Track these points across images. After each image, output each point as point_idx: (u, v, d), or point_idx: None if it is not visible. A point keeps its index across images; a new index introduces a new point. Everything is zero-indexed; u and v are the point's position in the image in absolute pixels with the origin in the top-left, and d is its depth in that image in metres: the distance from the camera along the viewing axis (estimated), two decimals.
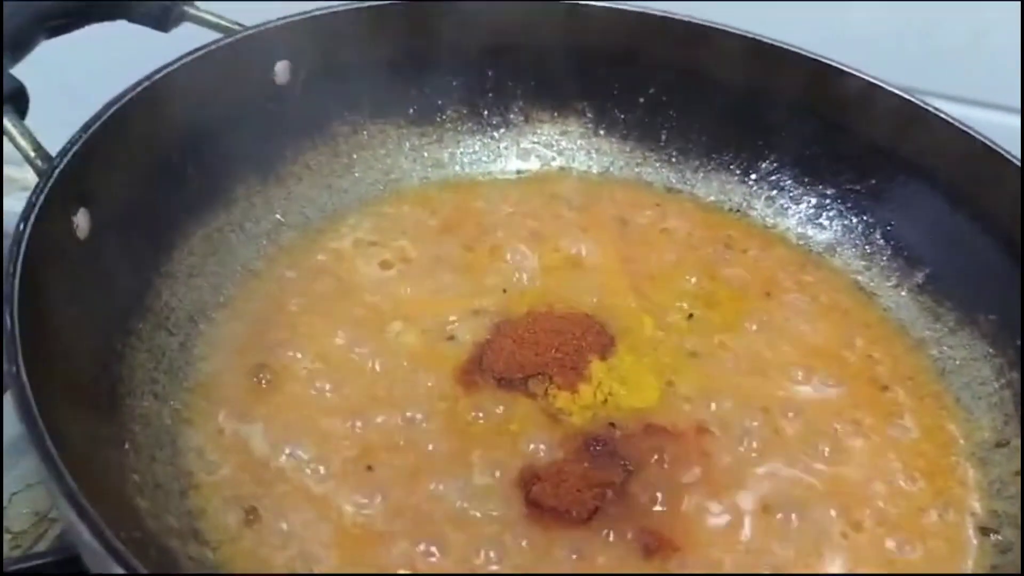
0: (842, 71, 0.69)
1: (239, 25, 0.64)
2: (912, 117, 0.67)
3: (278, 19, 0.65)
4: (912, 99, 0.67)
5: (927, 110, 0.67)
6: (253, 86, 0.65)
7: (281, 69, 0.66)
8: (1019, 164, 0.62)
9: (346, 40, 0.68)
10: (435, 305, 0.62)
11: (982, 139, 0.64)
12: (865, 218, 0.71)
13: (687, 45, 0.72)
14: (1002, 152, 0.63)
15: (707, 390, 0.60)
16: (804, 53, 0.70)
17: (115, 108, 0.55)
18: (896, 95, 0.68)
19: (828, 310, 0.67)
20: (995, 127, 0.77)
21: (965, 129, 0.65)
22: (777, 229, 0.74)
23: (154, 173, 0.59)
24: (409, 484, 0.52)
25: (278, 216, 0.67)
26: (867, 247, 0.71)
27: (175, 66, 0.59)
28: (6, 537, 0.56)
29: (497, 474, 0.53)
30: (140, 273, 0.57)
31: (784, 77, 0.71)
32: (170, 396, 0.54)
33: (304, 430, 0.54)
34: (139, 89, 0.57)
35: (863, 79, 0.69)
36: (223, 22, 0.65)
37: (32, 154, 0.52)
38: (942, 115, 0.66)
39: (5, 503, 0.58)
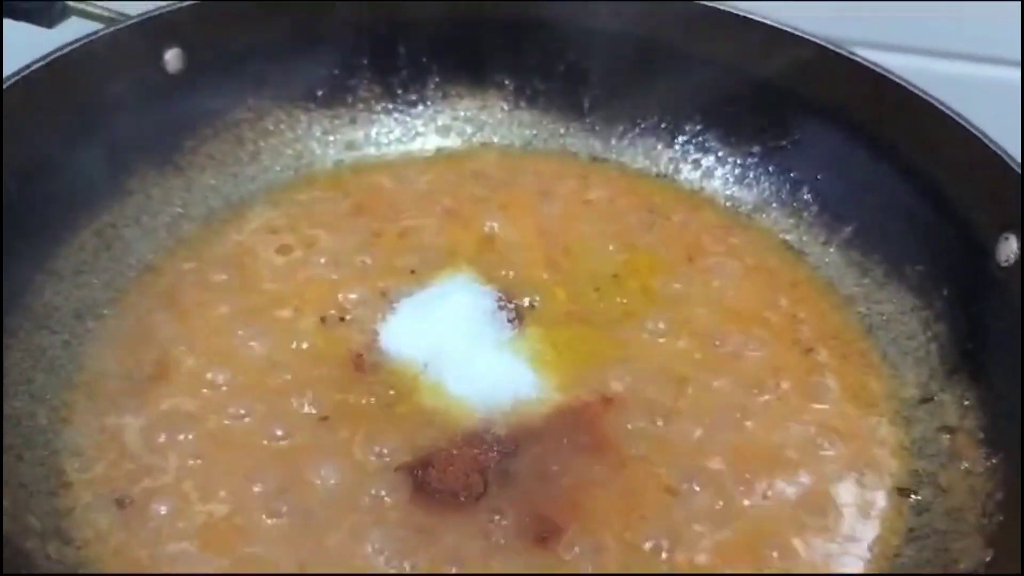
0: (757, 22, 0.66)
1: (125, 16, 0.63)
2: (830, 65, 0.64)
3: (164, 5, 0.63)
4: (830, 46, 0.64)
5: (846, 57, 0.63)
6: (142, 75, 0.63)
7: (172, 57, 0.64)
8: (939, 106, 0.59)
9: (240, 23, 0.66)
10: (335, 289, 0.60)
11: (902, 83, 0.61)
12: (792, 175, 0.68)
13: (600, 7, 0.70)
14: (921, 95, 0.60)
15: (613, 361, 0.57)
16: (717, 6, 0.67)
17: None
18: (813, 43, 0.65)
19: (753, 271, 0.64)
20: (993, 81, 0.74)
21: (884, 74, 0.62)
22: (704, 193, 0.71)
23: (34, 168, 0.57)
24: (292, 471, 0.50)
25: (178, 208, 0.65)
26: (795, 204, 0.68)
27: (54, 56, 0.58)
28: None
29: (387, 459, 0.51)
30: (19, 272, 0.55)
31: (703, 33, 0.68)
32: (48, 395, 0.53)
33: (187, 424, 0.52)
34: (16, 79, 0.55)
35: (779, 28, 0.65)
36: (107, 14, 0.63)
37: None
38: (858, 59, 0.63)
39: None
